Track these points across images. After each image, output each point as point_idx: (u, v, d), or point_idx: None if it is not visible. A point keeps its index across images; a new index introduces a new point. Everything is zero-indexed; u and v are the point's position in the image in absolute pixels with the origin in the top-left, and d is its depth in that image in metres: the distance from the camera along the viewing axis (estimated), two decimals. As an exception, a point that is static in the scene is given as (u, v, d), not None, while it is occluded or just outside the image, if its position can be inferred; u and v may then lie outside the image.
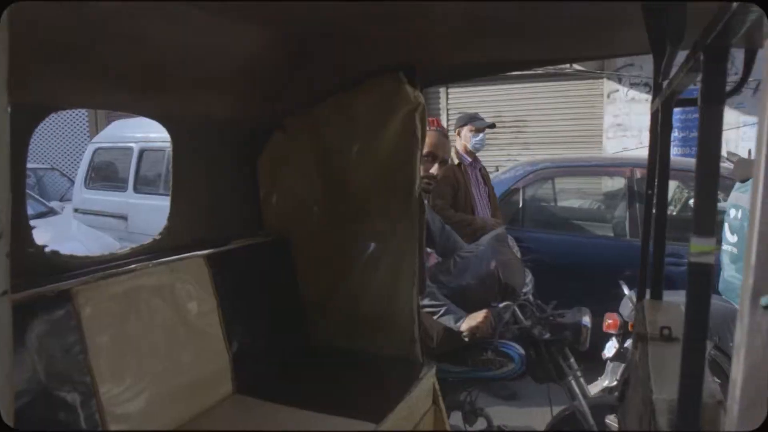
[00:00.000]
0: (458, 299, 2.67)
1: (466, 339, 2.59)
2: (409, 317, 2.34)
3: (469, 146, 4.41)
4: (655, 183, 1.99)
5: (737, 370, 0.53)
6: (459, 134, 4.48)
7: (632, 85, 9.30)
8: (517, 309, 2.74)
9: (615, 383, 3.71)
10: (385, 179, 2.33)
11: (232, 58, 1.92)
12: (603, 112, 9.58)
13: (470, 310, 2.65)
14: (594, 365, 3.88)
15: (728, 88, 0.97)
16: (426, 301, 2.57)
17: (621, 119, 9.41)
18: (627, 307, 3.73)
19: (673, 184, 7.07)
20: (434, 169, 2.74)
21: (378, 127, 2.29)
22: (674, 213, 6.97)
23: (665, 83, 1.41)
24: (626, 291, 3.76)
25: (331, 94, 2.33)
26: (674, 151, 9.12)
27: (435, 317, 2.59)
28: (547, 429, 2.78)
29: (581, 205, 6.72)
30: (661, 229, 1.62)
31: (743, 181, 3.59)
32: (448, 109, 10.26)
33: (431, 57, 2.18)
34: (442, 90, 10.18)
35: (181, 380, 1.83)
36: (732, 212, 3.60)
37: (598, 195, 6.83)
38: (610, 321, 3.77)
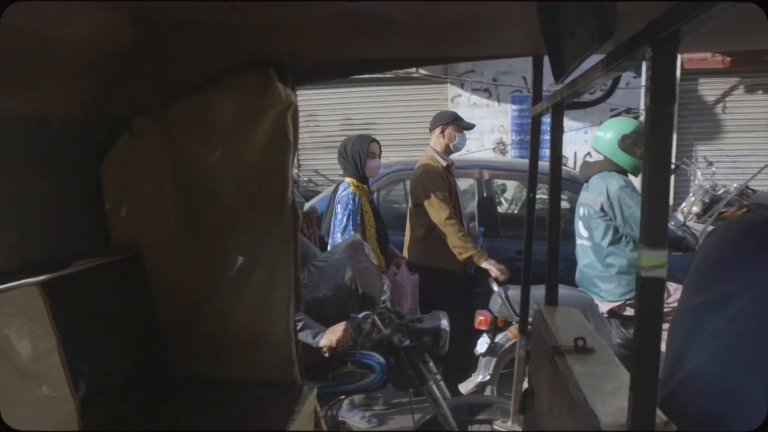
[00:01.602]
0: (315, 312, 2.54)
1: (327, 354, 2.46)
2: (285, 336, 2.14)
3: (452, 145, 4.28)
4: (536, 186, 2.00)
5: None
6: (442, 133, 4.30)
7: (474, 90, 9.80)
8: (376, 318, 2.67)
9: (488, 378, 3.83)
10: (254, 186, 2.11)
11: (65, 45, 1.59)
12: (448, 116, 9.96)
13: (328, 322, 2.53)
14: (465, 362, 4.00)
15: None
16: None
17: (464, 123, 9.85)
18: (497, 304, 3.87)
19: (512, 184, 7.54)
20: None
21: (244, 129, 2.06)
22: (515, 212, 7.42)
23: (563, 83, 1.37)
24: (495, 288, 3.89)
25: (188, 91, 2.06)
26: (512, 153, 9.79)
27: None
28: None
29: (433, 207, 6.90)
30: (554, 233, 1.59)
31: (586, 181, 3.85)
32: (296, 111, 10.07)
33: (304, 53, 2.00)
34: (289, 92, 9.98)
35: (13, 440, 1.47)
36: (581, 210, 3.86)
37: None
38: (481, 318, 3.88)
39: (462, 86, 9.81)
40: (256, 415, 1.95)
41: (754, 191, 7.39)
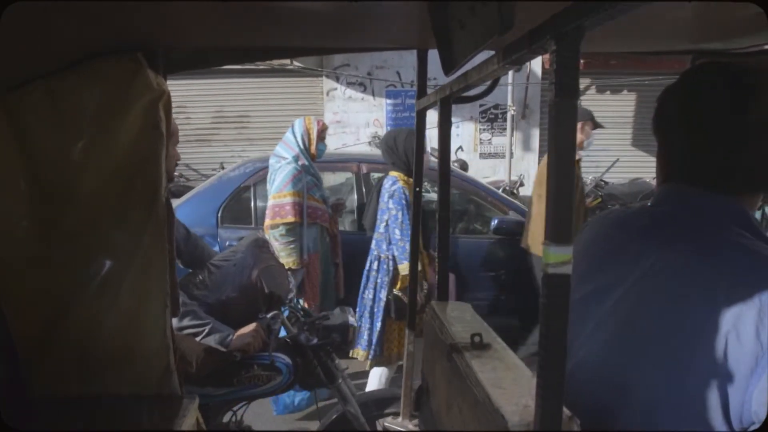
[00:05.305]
0: (220, 314, 2.42)
1: (238, 358, 2.36)
2: (161, 345, 1.97)
3: (585, 143, 4.46)
4: (422, 180, 2.00)
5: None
6: (581, 129, 4.40)
7: (349, 84, 9.82)
8: (285, 317, 2.59)
9: None
10: (122, 182, 1.91)
11: None
12: (323, 109, 9.92)
13: (235, 324, 2.42)
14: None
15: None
16: (186, 321, 2.27)
17: (340, 116, 9.86)
18: None
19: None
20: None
21: (110, 120, 1.86)
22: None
23: (455, 76, 1.35)
24: None
25: (40, 76, 1.83)
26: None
27: (198, 338, 2.29)
28: None
29: (312, 201, 6.85)
30: (444, 228, 1.59)
31: None
32: (164, 102, 9.55)
33: (179, 38, 1.85)
34: (157, 81, 9.47)
35: None
36: None
37: (327, 190, 7.06)
38: None
39: (337, 80, 9.78)
40: None
41: (606, 183, 8.07)
